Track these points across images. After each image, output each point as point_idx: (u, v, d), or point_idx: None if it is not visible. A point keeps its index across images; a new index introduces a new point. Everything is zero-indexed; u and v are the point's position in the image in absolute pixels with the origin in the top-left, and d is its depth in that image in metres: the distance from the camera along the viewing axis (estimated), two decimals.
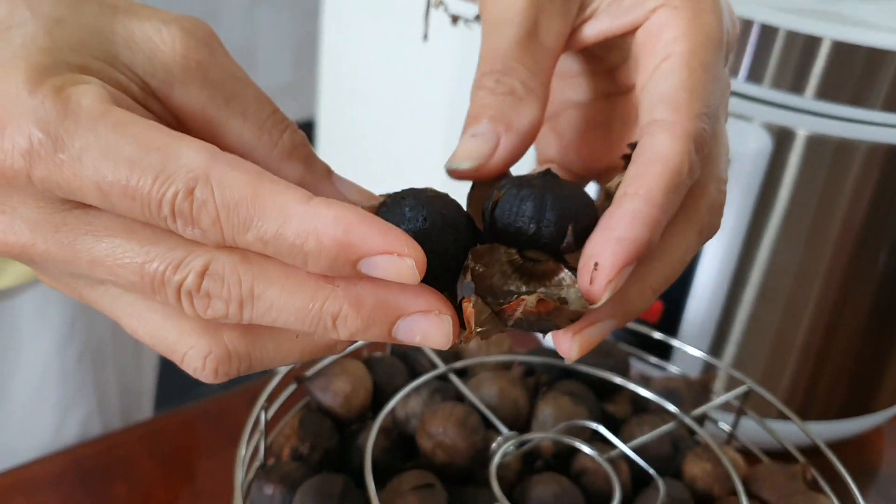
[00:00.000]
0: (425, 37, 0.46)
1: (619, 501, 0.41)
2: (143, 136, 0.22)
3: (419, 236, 0.24)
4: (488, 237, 0.27)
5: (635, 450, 0.44)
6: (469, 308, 0.25)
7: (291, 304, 0.23)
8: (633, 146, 0.28)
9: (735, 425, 0.50)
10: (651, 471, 0.43)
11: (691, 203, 0.29)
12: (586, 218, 0.26)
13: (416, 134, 1.41)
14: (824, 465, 0.44)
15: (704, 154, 0.28)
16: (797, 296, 0.61)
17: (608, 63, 0.34)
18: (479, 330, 0.25)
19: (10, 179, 0.23)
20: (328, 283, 0.23)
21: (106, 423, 0.66)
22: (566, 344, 0.27)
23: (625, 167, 0.28)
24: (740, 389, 0.48)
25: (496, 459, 0.42)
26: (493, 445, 0.43)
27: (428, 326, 0.24)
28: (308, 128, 2.27)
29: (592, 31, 0.31)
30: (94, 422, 0.65)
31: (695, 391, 0.50)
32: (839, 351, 0.64)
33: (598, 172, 0.35)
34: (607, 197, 0.29)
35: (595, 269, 0.25)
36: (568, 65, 0.35)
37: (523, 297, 0.25)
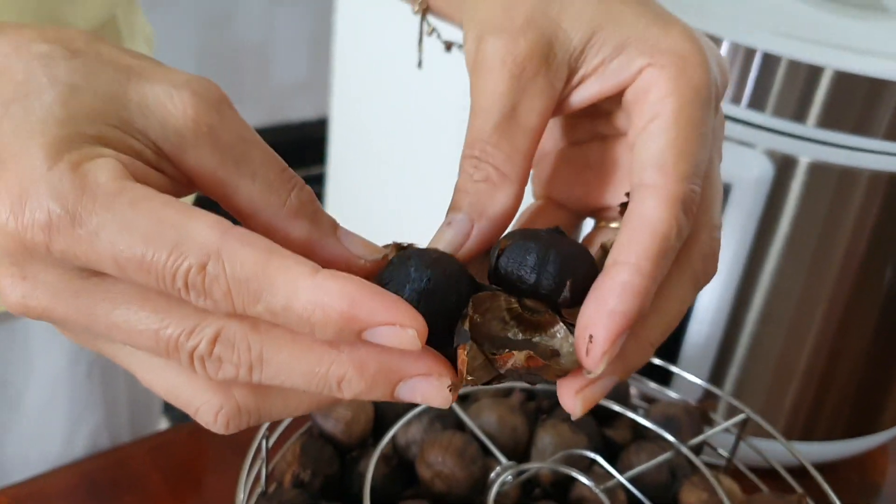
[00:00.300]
0: (420, 64, 0.47)
1: None
2: (157, 213, 0.23)
3: (423, 296, 0.26)
4: (491, 282, 0.29)
5: (632, 479, 0.45)
6: (462, 356, 0.26)
7: (298, 368, 0.25)
8: (628, 198, 0.29)
9: (733, 452, 0.50)
10: (646, 501, 0.44)
11: (685, 254, 0.29)
12: (585, 275, 0.28)
13: (429, 131, 1.42)
14: (830, 481, 0.45)
15: (693, 214, 0.28)
16: (799, 320, 0.61)
17: (603, 109, 0.34)
18: (469, 378, 0.26)
19: (30, 250, 0.24)
20: (333, 348, 0.25)
21: (115, 436, 0.67)
22: (570, 402, 0.28)
23: (622, 214, 0.29)
24: (738, 418, 0.49)
25: (494, 489, 0.43)
26: (492, 475, 0.44)
27: (428, 388, 0.26)
28: (322, 125, 2.28)
29: (581, 97, 0.32)
30: (103, 434, 0.66)
31: (693, 418, 0.50)
32: (842, 373, 0.64)
33: (593, 210, 0.36)
34: (605, 252, 0.30)
35: (590, 341, 0.26)
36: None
37: (514, 351, 0.26)
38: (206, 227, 0.23)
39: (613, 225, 0.34)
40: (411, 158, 1.49)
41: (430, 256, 0.27)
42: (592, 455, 0.47)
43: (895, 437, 0.69)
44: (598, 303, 0.26)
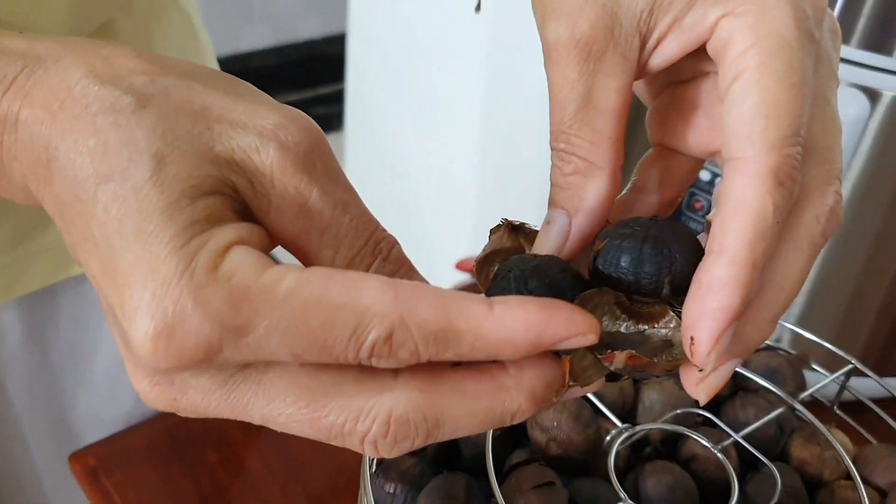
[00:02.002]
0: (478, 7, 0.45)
1: (737, 491, 0.41)
2: (324, 299, 0.22)
3: (521, 293, 0.26)
4: (594, 283, 0.28)
5: (743, 435, 0.45)
6: (566, 364, 0.26)
7: (474, 421, 0.25)
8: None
9: (836, 402, 0.50)
10: (763, 458, 0.44)
11: (795, 219, 0.27)
12: (688, 263, 0.27)
13: (449, 46, 1.37)
14: None
15: (795, 181, 0.26)
16: (877, 257, 0.60)
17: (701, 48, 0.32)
18: (571, 384, 0.26)
19: (183, 366, 0.23)
20: (503, 391, 0.25)
21: None
22: (693, 391, 0.27)
23: None
24: (845, 369, 0.48)
25: (613, 452, 0.42)
26: (608, 438, 0.44)
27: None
28: (330, 43, 2.21)
29: (661, 58, 0.29)
30: None
31: (795, 368, 0.49)
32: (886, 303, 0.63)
33: (711, 152, 0.33)
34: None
35: (692, 343, 0.25)
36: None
37: (616, 352, 0.26)
38: (378, 296, 0.23)
39: None
40: (432, 76, 1.45)
41: (529, 265, 0.27)
42: (705, 413, 0.46)
43: None
44: (697, 301, 0.25)
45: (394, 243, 0.26)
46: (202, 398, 0.24)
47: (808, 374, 0.50)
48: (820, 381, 0.50)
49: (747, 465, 0.45)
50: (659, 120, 0.33)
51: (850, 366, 0.48)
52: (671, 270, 0.27)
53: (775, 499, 0.41)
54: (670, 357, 0.27)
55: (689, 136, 0.33)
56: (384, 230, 0.26)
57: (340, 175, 0.26)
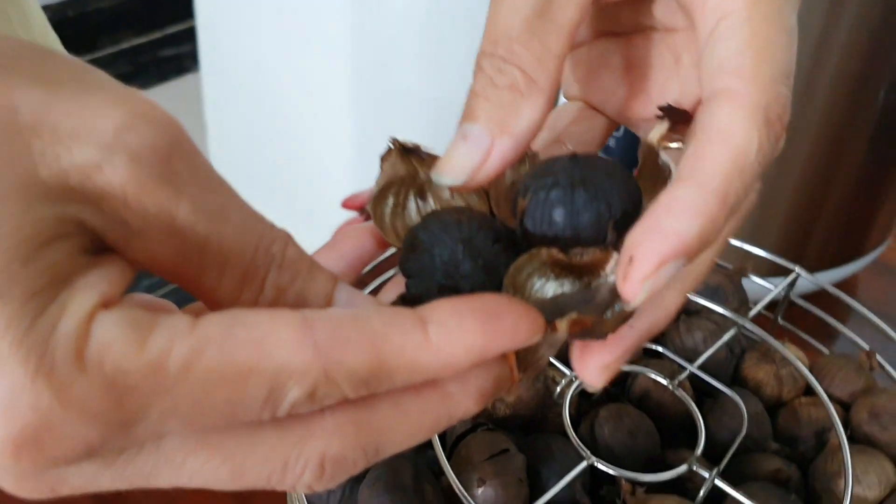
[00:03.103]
0: None
1: (703, 427, 0.38)
2: (225, 369, 0.18)
3: (456, 289, 0.23)
4: (525, 244, 0.24)
5: (693, 362, 0.41)
6: (511, 358, 0.22)
7: (419, 435, 0.22)
8: (668, 109, 0.25)
9: (782, 314, 0.47)
10: (722, 387, 0.40)
11: None
12: (628, 202, 0.23)
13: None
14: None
15: (783, 125, 0.23)
16: (788, 147, 0.58)
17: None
18: (522, 377, 0.23)
19: (59, 465, 0.18)
20: (447, 399, 0.22)
21: None
22: (592, 375, 0.24)
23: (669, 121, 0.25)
24: (791, 277, 0.45)
25: (567, 403, 0.38)
26: (559, 389, 0.39)
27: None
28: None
29: None
30: None
31: (736, 284, 0.46)
32: (833, 199, 0.61)
33: (633, 120, 0.30)
34: (649, 153, 0.25)
35: (630, 262, 0.21)
36: None
37: (556, 322, 0.22)
38: (294, 351, 0.19)
39: (674, 145, 0.28)
40: (291, 3, 1.35)
41: (454, 237, 0.23)
42: (655, 347, 0.42)
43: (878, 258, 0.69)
44: (648, 220, 0.21)
45: (287, 241, 0.21)
46: (88, 482, 0.19)
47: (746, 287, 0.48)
48: (758, 293, 0.47)
49: (700, 393, 0.42)
50: (586, 73, 0.30)
51: (795, 274, 0.45)
52: (611, 213, 0.23)
53: (744, 430, 0.38)
54: (621, 309, 0.23)
55: (616, 97, 0.30)
56: (272, 228, 0.21)
57: (211, 175, 0.20)
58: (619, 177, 0.23)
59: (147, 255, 0.19)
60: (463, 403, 0.21)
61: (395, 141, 0.26)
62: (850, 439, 0.38)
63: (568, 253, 0.24)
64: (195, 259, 0.20)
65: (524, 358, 0.23)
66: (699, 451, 0.37)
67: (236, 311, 0.19)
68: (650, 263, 0.21)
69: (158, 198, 0.18)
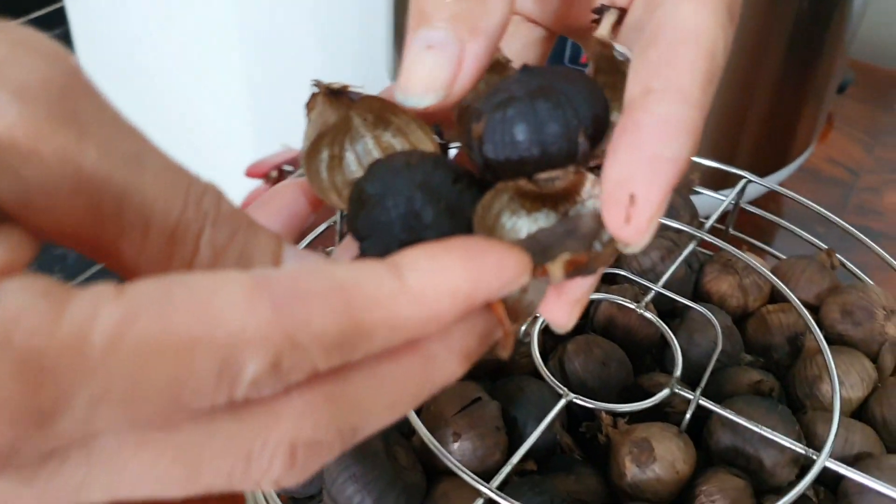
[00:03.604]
0: None
1: (678, 348, 0.36)
2: (163, 340, 0.14)
3: (414, 234, 0.20)
4: (487, 179, 0.21)
5: (655, 281, 0.39)
6: (497, 308, 0.19)
7: (402, 407, 0.18)
8: (603, 7, 0.23)
9: (733, 223, 0.45)
10: (692, 304, 0.38)
11: None
12: (597, 107, 0.20)
13: None
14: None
15: (736, 20, 0.21)
16: (745, 67, 0.56)
17: None
18: (514, 327, 0.20)
19: None
20: (428, 345, 0.18)
21: None
22: (564, 315, 0.22)
23: (596, 23, 0.23)
24: (741, 185, 0.43)
25: (536, 340, 0.35)
26: (523, 329, 0.37)
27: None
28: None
29: None
30: None
31: (685, 197, 0.44)
32: (756, 108, 0.60)
33: (573, 29, 0.27)
34: (601, 49, 0.22)
35: (632, 202, 0.18)
36: None
37: (547, 266, 0.19)
38: (248, 312, 0.15)
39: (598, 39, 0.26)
40: None
41: (409, 180, 0.20)
42: (611, 270, 0.40)
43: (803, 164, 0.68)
44: (636, 147, 0.18)
45: (219, 194, 0.18)
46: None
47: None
48: (703, 205, 0.45)
49: (663, 315, 0.40)
50: None
51: (745, 181, 0.43)
52: (580, 119, 0.20)
53: (719, 345, 0.36)
54: (610, 238, 0.20)
55: (552, 5, 0.26)
56: (200, 179, 0.17)
57: (118, 117, 0.16)
58: (579, 79, 0.20)
59: (52, 218, 0.15)
60: (447, 366, 0.18)
61: (319, 83, 0.22)
62: (825, 340, 0.36)
63: (537, 181, 0.20)
64: (112, 218, 0.16)
65: (512, 307, 0.19)
66: (678, 372, 0.35)
67: (173, 274, 0.15)
68: (656, 201, 0.18)
69: (58, 142, 0.15)
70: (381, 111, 0.22)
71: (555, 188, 0.20)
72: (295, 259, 0.18)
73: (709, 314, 0.37)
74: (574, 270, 0.19)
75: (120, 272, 0.17)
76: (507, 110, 0.20)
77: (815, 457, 0.32)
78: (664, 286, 0.39)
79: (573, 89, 0.20)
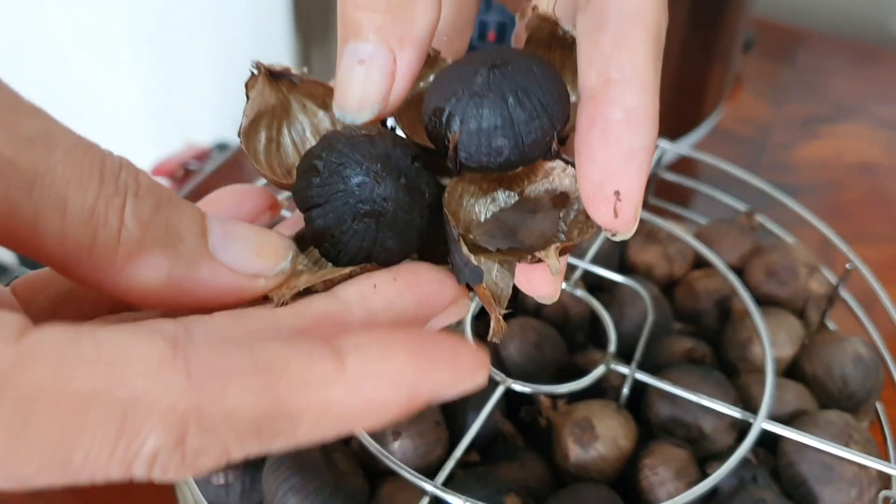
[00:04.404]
0: None
1: (611, 324, 0.36)
2: (55, 385, 0.13)
3: (388, 237, 0.19)
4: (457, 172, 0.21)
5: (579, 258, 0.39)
6: (485, 293, 0.19)
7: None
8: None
9: (651, 192, 0.46)
10: (616, 276, 0.38)
11: None
12: (566, 108, 0.20)
13: None
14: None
15: None
16: None
17: None
18: (504, 314, 0.20)
19: None
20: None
21: None
22: (552, 288, 0.22)
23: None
24: (657, 155, 0.43)
25: (469, 327, 0.35)
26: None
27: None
28: None
29: None
30: None
31: None
32: (665, 72, 0.61)
33: None
34: (542, 23, 0.22)
35: (618, 198, 0.19)
36: None
37: (537, 255, 0.19)
38: (156, 374, 0.14)
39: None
40: None
41: (366, 150, 0.19)
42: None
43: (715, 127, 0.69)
44: (609, 144, 0.19)
45: (134, 168, 0.17)
46: None
47: None
48: None
49: (592, 290, 0.40)
50: None
51: (661, 149, 0.43)
52: (554, 125, 0.20)
53: (650, 316, 0.36)
54: (577, 221, 0.21)
55: None
56: (112, 154, 0.17)
57: (17, 97, 0.16)
58: (545, 74, 0.20)
59: None
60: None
61: (259, 65, 0.21)
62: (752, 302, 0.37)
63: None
64: (24, 205, 0.15)
65: (497, 294, 0.20)
66: (612, 348, 0.35)
67: (87, 325, 0.14)
68: (639, 191, 0.19)
69: None
70: (324, 96, 0.22)
71: (517, 173, 0.21)
72: (220, 231, 0.18)
73: (636, 286, 0.37)
74: (566, 252, 0.20)
75: (44, 261, 0.16)
76: (483, 121, 0.20)
77: (752, 420, 0.32)
78: (591, 261, 0.39)
79: (544, 90, 0.20)
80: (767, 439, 0.33)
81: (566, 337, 0.38)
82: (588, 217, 0.20)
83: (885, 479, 0.32)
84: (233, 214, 0.21)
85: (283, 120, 0.22)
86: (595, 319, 0.39)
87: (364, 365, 0.15)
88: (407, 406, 0.16)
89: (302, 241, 0.20)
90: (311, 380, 0.15)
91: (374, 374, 0.15)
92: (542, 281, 0.21)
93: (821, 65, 0.75)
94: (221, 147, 0.86)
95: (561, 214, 0.21)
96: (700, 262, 0.42)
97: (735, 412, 0.32)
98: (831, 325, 0.39)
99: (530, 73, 0.20)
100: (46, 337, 0.13)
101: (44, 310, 0.19)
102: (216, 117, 0.93)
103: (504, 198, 0.21)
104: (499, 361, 0.36)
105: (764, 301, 0.39)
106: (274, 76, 0.22)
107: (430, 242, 0.21)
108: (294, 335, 0.17)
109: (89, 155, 0.16)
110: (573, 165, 0.20)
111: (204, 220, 0.18)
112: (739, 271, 0.40)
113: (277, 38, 0.83)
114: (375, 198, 0.19)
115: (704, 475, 0.32)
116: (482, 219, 0.21)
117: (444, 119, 0.20)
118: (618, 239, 0.20)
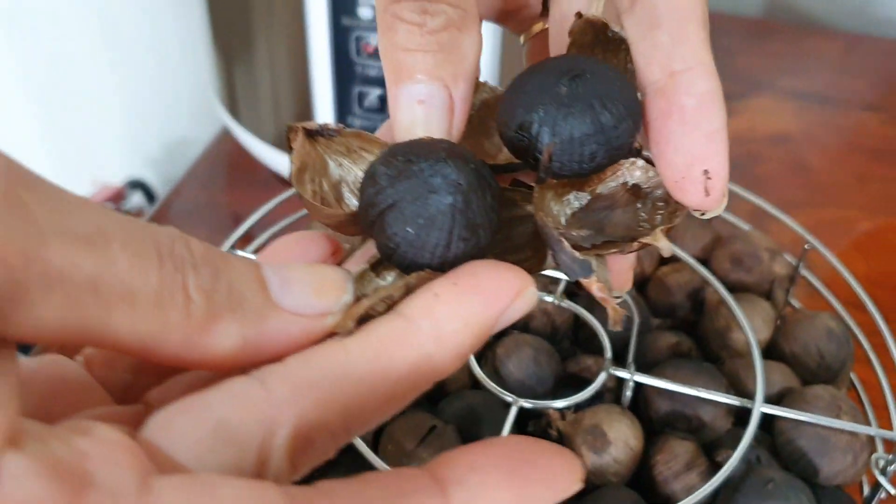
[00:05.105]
0: None
1: (605, 335, 0.38)
2: None
3: (458, 206, 0.19)
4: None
5: None
6: (598, 287, 0.20)
7: None
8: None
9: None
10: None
11: None
12: (639, 107, 0.21)
13: None
14: None
15: None
16: None
17: None
18: (616, 296, 0.21)
19: None
20: None
21: None
22: (627, 275, 0.24)
23: (544, 10, 0.24)
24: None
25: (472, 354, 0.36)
26: None
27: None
28: None
29: None
30: None
31: None
32: None
33: (506, 12, 0.28)
34: (589, 28, 0.23)
35: (707, 176, 0.21)
36: None
37: (643, 241, 0.21)
38: None
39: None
40: None
41: (440, 153, 0.19)
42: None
43: None
44: (690, 129, 0.21)
45: (183, 236, 0.17)
46: None
47: None
48: None
49: (569, 296, 0.42)
50: None
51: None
52: (636, 126, 0.21)
53: (635, 317, 0.38)
54: (657, 208, 0.22)
55: None
56: (160, 227, 0.17)
57: (63, 194, 0.16)
58: (619, 78, 0.21)
59: (30, 325, 0.14)
60: None
61: (292, 128, 0.22)
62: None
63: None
64: (92, 307, 0.15)
65: (608, 285, 0.21)
66: (608, 354, 0.37)
67: (199, 474, 0.15)
68: (725, 168, 0.20)
69: (13, 246, 0.14)
70: (360, 148, 0.22)
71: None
72: (277, 280, 0.18)
73: (626, 298, 0.39)
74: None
75: (121, 351, 0.16)
76: (574, 130, 0.20)
77: (749, 406, 0.34)
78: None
79: (623, 94, 0.21)
80: (763, 420, 0.35)
81: (556, 346, 0.40)
82: (668, 203, 0.21)
83: (872, 443, 0.35)
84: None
85: (322, 177, 0.23)
86: (578, 325, 0.41)
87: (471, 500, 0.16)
88: None
89: (376, 266, 0.21)
90: None
91: None
92: (617, 275, 0.23)
93: (721, 43, 0.79)
94: (134, 185, 0.83)
95: (639, 205, 0.22)
96: (666, 258, 0.44)
97: (733, 400, 0.34)
98: (795, 303, 0.42)
99: (607, 78, 0.21)
100: (171, 488, 0.14)
101: (124, 380, 0.20)
102: (125, 154, 0.90)
103: (576, 199, 0.23)
104: (500, 379, 0.38)
105: (733, 288, 0.41)
106: (310, 135, 0.22)
107: (498, 244, 0.21)
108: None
109: (144, 238, 0.16)
110: (644, 158, 0.21)
111: (260, 272, 0.18)
112: (705, 262, 0.42)
113: (198, 61, 0.81)
114: (448, 178, 0.19)
115: (713, 462, 0.34)
116: (563, 221, 0.22)
117: (532, 132, 0.21)
118: (707, 217, 0.21)
